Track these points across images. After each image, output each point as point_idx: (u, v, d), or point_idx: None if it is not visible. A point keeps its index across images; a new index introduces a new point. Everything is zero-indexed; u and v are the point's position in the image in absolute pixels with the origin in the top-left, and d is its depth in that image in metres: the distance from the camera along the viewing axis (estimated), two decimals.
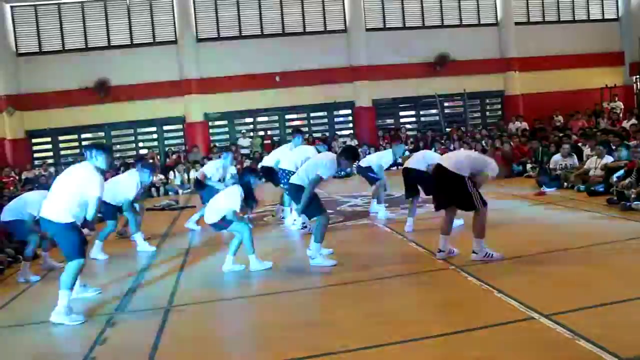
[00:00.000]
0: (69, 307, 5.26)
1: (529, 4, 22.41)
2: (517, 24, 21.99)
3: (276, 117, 21.76)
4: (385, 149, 14.46)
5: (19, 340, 5.07)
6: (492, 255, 6.05)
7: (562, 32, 22.09)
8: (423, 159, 7.97)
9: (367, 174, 9.61)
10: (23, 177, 17.42)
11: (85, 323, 5.23)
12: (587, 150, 12.24)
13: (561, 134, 15.47)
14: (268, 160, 9.66)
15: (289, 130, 21.34)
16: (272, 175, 9.34)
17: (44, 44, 19.83)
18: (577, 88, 21.66)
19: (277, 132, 21.48)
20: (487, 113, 23.31)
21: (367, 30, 21.15)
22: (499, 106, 22.95)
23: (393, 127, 21.90)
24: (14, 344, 4.96)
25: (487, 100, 23.15)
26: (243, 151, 19.78)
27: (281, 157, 9.08)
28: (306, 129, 20.65)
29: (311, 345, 4.31)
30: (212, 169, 9.92)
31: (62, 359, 4.51)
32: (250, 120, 21.74)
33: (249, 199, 6.63)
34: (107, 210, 8.13)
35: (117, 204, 8.33)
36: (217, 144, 20.32)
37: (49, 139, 20.42)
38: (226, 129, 21.42)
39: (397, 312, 4.90)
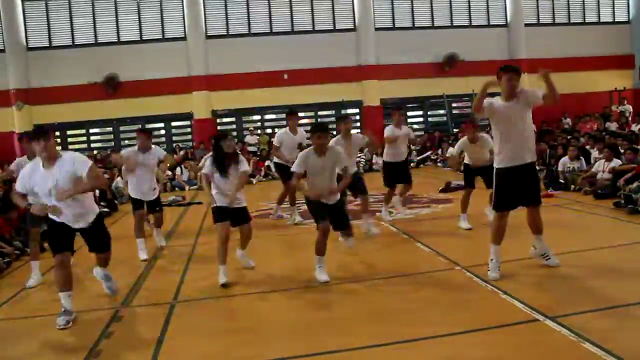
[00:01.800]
0: (62, 307, 5.22)
1: (539, 5, 22.34)
2: (526, 25, 21.93)
3: (284, 115, 21.68)
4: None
5: (26, 332, 5.11)
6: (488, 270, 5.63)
7: (572, 34, 22.01)
8: None
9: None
10: None
11: (92, 315, 5.27)
12: (595, 153, 12.19)
13: (569, 137, 15.41)
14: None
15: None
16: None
17: (54, 38, 19.93)
18: (586, 90, 21.59)
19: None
20: None
21: (377, 29, 21.13)
22: None
23: None
24: (21, 336, 4.99)
25: None
26: (250, 148, 19.82)
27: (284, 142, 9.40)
28: None
29: (315, 343, 4.32)
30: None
31: (68, 352, 4.53)
32: (257, 117, 21.77)
33: (219, 164, 6.11)
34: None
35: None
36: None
37: (57, 133, 20.50)
38: (234, 126, 21.45)
39: (402, 312, 4.90)
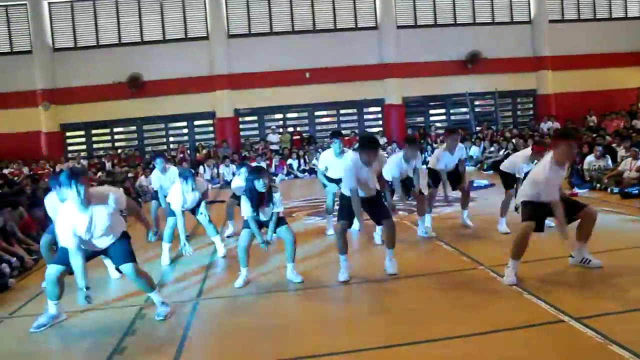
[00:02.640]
0: (47, 309, 5.20)
1: (564, 1, 22.02)
2: (551, 21, 21.64)
3: (306, 114, 21.81)
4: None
5: (52, 328, 5.18)
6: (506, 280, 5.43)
7: (598, 30, 21.67)
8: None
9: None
10: (57, 169, 17.80)
11: (117, 312, 5.34)
12: (621, 152, 12.00)
13: (595, 135, 15.19)
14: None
15: (318, 127, 21.43)
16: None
17: (79, 39, 20.22)
18: (612, 87, 21.25)
19: (307, 128, 21.56)
20: (519, 112, 23.00)
21: (398, 27, 21.05)
22: (531, 105, 22.63)
23: (422, 125, 21.76)
24: (47, 332, 5.07)
25: (519, 99, 22.83)
26: (272, 147, 19.91)
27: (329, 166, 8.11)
28: (335, 126, 20.74)
29: (335, 342, 4.33)
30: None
31: (94, 348, 4.59)
32: (280, 116, 21.84)
33: (256, 204, 5.88)
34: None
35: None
36: (249, 139, 20.53)
37: (82, 133, 20.85)
38: (256, 125, 21.56)
39: (423, 311, 4.88)
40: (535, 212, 5.51)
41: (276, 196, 5.95)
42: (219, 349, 4.47)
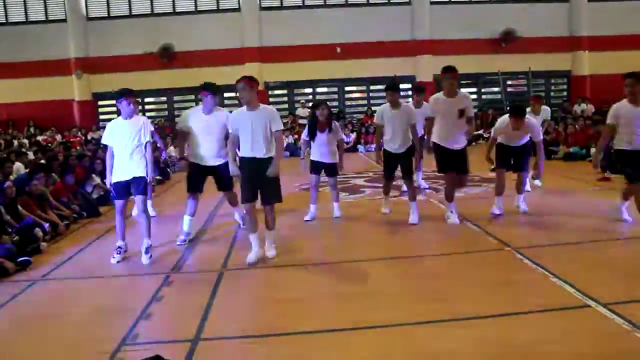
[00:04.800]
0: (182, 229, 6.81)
1: None
2: (590, 0, 21.01)
3: (336, 89, 21.70)
4: None
5: (81, 292, 5.32)
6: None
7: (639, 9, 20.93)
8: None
9: None
10: (89, 137, 18.09)
11: (144, 280, 5.45)
12: None
13: None
14: None
15: (348, 103, 21.35)
16: None
17: (112, 8, 20.33)
18: None
19: (336, 103, 21.46)
20: (552, 93, 22.47)
21: (432, 3, 20.68)
22: (565, 87, 22.12)
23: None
24: (76, 295, 5.20)
25: (553, 80, 22.31)
26: (301, 121, 19.86)
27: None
28: (365, 102, 20.63)
29: (359, 317, 4.34)
30: None
31: (120, 313, 4.68)
32: (309, 90, 21.74)
33: (312, 130, 7.57)
34: None
35: None
36: None
37: (113, 102, 20.90)
38: (285, 99, 21.52)
39: (449, 290, 4.86)
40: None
41: (335, 123, 7.64)
42: (242, 320, 4.51)
